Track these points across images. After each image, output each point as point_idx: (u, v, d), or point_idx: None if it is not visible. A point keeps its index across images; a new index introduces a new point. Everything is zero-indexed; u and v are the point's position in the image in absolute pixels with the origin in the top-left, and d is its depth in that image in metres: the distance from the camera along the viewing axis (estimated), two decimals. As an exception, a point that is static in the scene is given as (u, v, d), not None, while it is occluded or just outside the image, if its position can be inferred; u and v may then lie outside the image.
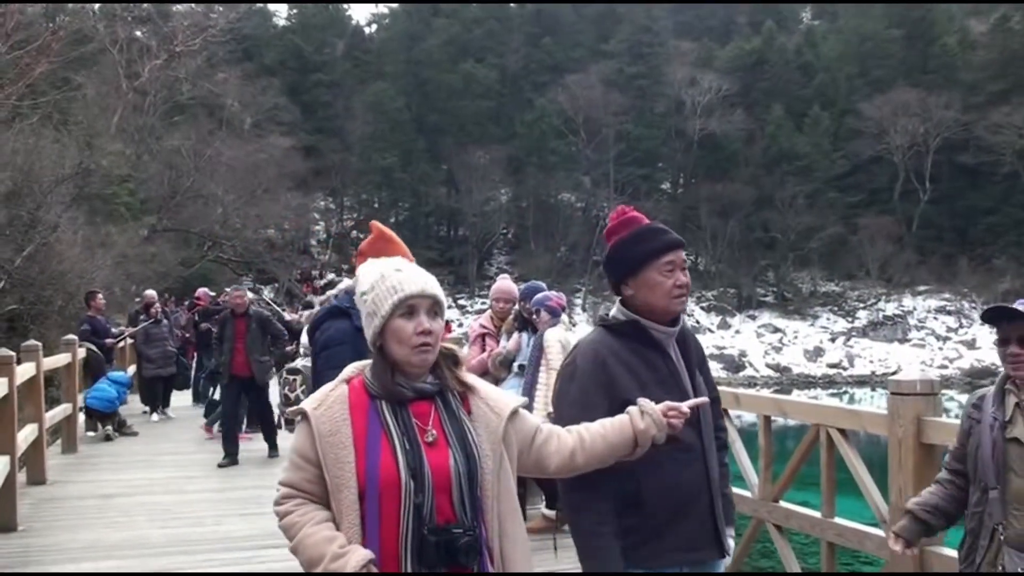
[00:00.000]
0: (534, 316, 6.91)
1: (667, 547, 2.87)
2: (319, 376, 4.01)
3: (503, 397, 2.59)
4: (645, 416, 2.62)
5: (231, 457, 10.38)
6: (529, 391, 6.73)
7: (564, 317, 7.00)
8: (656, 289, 2.93)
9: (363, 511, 2.31)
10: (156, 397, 14.56)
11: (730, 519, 3.14)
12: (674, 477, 2.87)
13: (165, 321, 14.73)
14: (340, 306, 4.67)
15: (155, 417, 14.33)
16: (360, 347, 4.02)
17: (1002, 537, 3.09)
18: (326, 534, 2.30)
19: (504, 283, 7.81)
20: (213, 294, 17.61)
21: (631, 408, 2.66)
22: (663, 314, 2.96)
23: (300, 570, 2.36)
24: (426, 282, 2.47)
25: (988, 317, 3.25)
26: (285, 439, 10.30)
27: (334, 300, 4.87)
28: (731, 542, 3.10)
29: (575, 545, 2.89)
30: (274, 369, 11.20)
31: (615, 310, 3.04)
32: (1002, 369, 3.27)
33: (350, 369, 2.53)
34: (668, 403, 2.63)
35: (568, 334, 6.87)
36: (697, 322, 52.81)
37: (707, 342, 46.65)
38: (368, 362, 2.51)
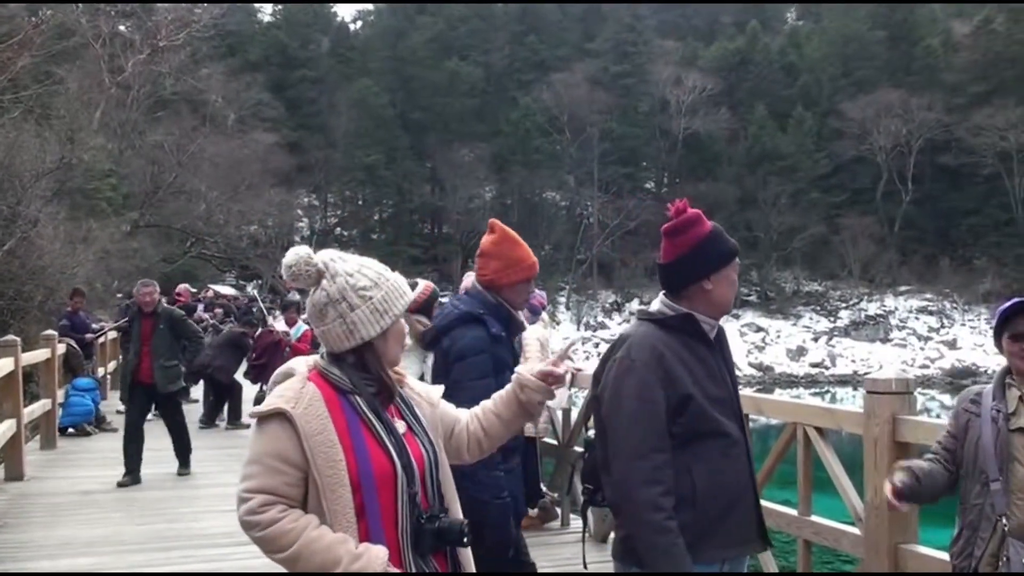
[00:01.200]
0: (514, 313, 6.90)
1: (716, 543, 2.88)
2: (455, 388, 3.49)
3: (427, 387, 2.67)
4: (525, 387, 2.64)
5: (131, 475, 9.16)
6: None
7: (544, 315, 7.00)
8: (733, 286, 3.03)
9: (360, 508, 2.28)
10: None
11: None
12: (724, 471, 2.89)
13: None
14: (473, 312, 4.21)
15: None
16: (499, 355, 3.90)
17: (1005, 528, 3.08)
18: (334, 536, 2.24)
19: (471, 279, 7.73)
20: (194, 290, 17.56)
21: (513, 378, 2.69)
22: (722, 310, 3.03)
23: (275, 566, 2.33)
24: None
25: (1010, 312, 3.22)
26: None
27: (460, 305, 4.34)
28: None
29: (640, 542, 2.83)
30: (181, 379, 9.97)
31: (660, 305, 3.02)
32: (984, 368, 3.26)
33: (303, 365, 2.45)
34: (541, 369, 2.65)
35: (547, 332, 6.88)
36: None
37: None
38: (315, 357, 2.48)
